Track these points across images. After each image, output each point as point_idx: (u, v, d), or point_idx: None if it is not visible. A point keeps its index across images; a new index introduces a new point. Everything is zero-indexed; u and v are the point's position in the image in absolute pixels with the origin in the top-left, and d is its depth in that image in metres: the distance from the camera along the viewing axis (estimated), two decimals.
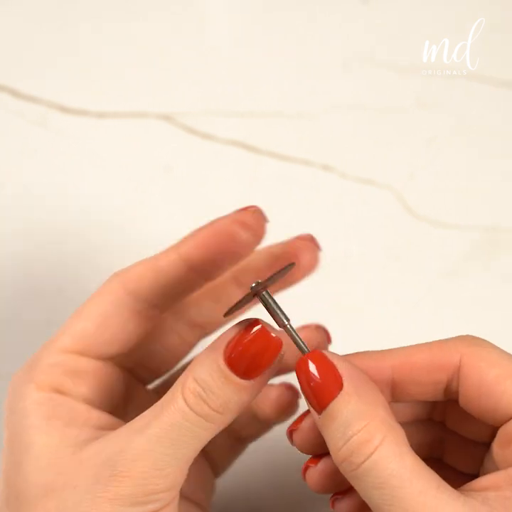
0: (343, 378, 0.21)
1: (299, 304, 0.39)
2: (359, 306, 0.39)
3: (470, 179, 0.42)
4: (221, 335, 0.22)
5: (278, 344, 0.22)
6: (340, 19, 0.44)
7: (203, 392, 0.21)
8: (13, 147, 0.40)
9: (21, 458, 0.22)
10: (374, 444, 0.20)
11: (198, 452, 0.22)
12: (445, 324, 0.39)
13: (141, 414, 0.22)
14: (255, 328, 0.22)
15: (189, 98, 0.42)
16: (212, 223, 0.26)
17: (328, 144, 0.42)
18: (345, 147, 0.42)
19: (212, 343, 0.22)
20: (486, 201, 0.42)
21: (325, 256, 0.40)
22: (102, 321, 0.25)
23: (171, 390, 0.22)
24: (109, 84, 0.42)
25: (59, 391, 0.24)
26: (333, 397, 0.21)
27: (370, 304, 0.39)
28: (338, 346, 0.38)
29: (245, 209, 0.26)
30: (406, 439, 0.21)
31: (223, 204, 0.41)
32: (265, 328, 0.22)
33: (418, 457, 0.21)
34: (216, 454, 0.29)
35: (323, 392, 0.21)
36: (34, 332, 0.37)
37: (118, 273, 0.26)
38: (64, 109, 0.41)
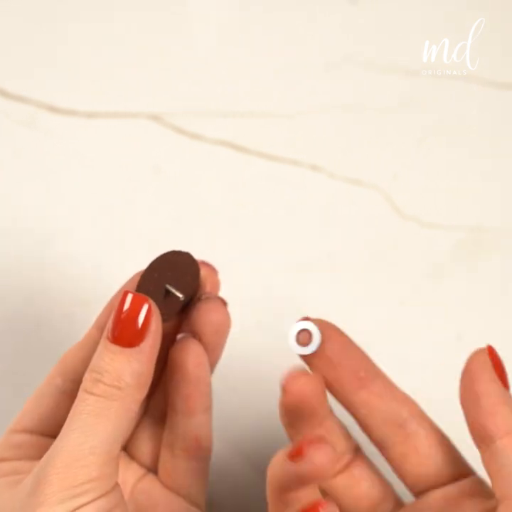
0: None
1: (286, 304, 0.39)
2: (345, 306, 0.39)
3: (459, 179, 0.42)
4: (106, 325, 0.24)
5: (147, 302, 0.23)
6: (329, 19, 0.44)
7: (97, 374, 0.23)
8: (0, 147, 0.40)
9: None
10: None
11: (117, 437, 0.23)
12: (431, 324, 0.39)
13: None
14: (126, 299, 0.23)
15: (178, 98, 0.42)
16: (121, 289, 0.27)
17: (316, 144, 0.42)
18: (334, 147, 0.42)
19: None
20: (472, 201, 0.42)
21: (312, 256, 0.41)
22: (36, 403, 0.27)
23: None
24: (99, 85, 0.42)
25: (1, 460, 0.26)
26: None
27: (356, 303, 0.40)
28: None
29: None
30: None
31: (212, 204, 0.41)
32: (133, 294, 0.23)
33: None
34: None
35: None
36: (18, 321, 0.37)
37: (58, 360, 0.28)
38: (53, 109, 0.41)
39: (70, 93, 0.41)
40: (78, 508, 0.21)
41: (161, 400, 0.29)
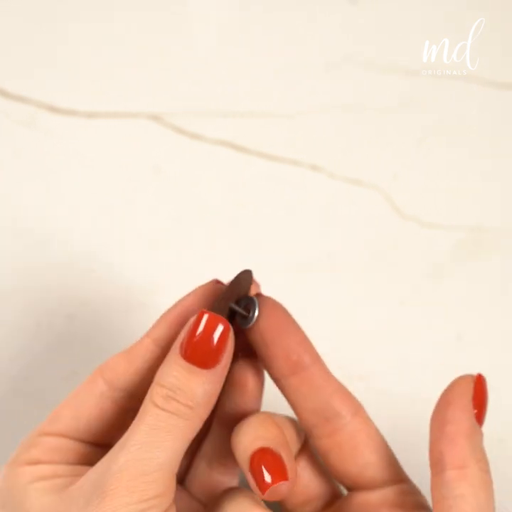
0: None
1: (286, 304, 0.39)
2: (345, 306, 0.39)
3: (459, 179, 0.42)
4: (176, 339, 0.24)
5: (225, 324, 0.23)
6: (329, 19, 0.44)
7: (170, 391, 0.23)
8: (0, 147, 0.40)
9: None
10: None
11: (181, 453, 0.23)
12: (431, 324, 0.39)
13: (123, 436, 0.23)
14: (203, 319, 0.23)
15: (178, 98, 0.42)
16: (179, 302, 0.27)
17: (317, 144, 0.42)
18: (334, 147, 0.42)
19: (171, 349, 0.24)
20: (472, 201, 0.42)
21: (312, 256, 0.41)
22: (74, 408, 0.26)
23: (142, 405, 0.23)
24: (99, 85, 0.42)
25: (37, 463, 0.25)
26: None
27: (356, 303, 0.40)
28: (325, 345, 0.38)
29: (208, 283, 0.27)
30: None
31: (212, 204, 0.41)
32: (210, 314, 0.23)
33: None
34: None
35: None
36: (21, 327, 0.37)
37: (100, 365, 0.27)
38: (53, 109, 0.41)
39: (70, 93, 0.41)
40: None
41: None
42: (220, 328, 0.23)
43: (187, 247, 0.39)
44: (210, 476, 0.28)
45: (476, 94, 0.43)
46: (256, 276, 0.39)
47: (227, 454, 0.27)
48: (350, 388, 0.27)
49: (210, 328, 0.23)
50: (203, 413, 0.23)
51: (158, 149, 0.41)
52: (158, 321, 0.26)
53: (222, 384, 0.24)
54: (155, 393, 0.23)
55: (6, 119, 0.40)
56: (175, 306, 0.26)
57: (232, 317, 0.26)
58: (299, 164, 0.42)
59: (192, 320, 0.23)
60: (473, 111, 0.43)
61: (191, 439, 0.23)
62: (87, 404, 0.26)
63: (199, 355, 0.23)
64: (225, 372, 0.24)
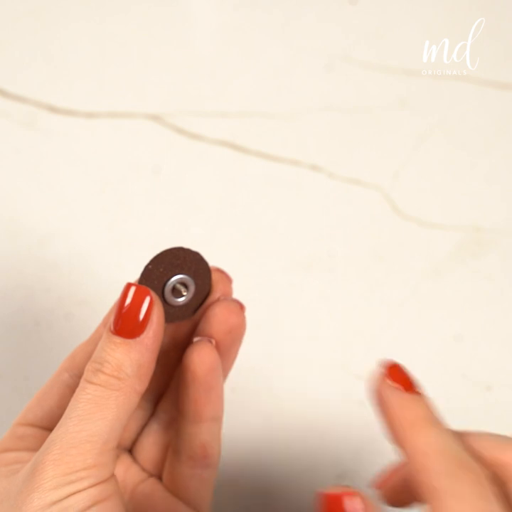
0: None
1: (286, 304, 0.39)
2: (345, 306, 0.39)
3: (459, 179, 0.42)
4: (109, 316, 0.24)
5: (149, 294, 0.24)
6: (329, 19, 0.44)
7: (98, 365, 0.23)
8: (0, 147, 0.40)
9: None
10: None
11: (115, 428, 0.23)
12: (430, 324, 0.39)
13: None
14: (129, 291, 0.24)
15: (177, 98, 0.42)
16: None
17: (317, 144, 0.42)
18: (334, 147, 0.42)
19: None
20: (472, 201, 0.42)
21: (312, 256, 0.41)
22: (41, 398, 0.27)
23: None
24: (98, 85, 0.42)
25: (6, 451, 0.26)
26: None
27: (355, 303, 0.40)
28: (324, 344, 0.38)
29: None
30: None
31: (211, 203, 0.41)
32: (134, 285, 0.24)
33: None
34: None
35: None
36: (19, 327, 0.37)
37: (65, 358, 0.28)
38: (53, 109, 0.41)
39: (70, 93, 0.41)
40: (71, 494, 0.22)
41: (169, 405, 0.29)
42: (146, 300, 0.23)
43: (187, 246, 0.39)
44: (181, 470, 0.28)
45: (475, 94, 0.43)
46: (256, 275, 0.39)
47: (192, 447, 0.27)
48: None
49: (135, 300, 0.23)
50: (136, 384, 0.23)
51: (158, 149, 0.41)
52: (112, 308, 0.27)
53: (152, 356, 0.24)
54: (86, 370, 0.23)
55: (6, 119, 0.40)
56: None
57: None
58: (299, 164, 0.42)
59: (119, 295, 0.24)
60: (473, 111, 0.43)
61: (127, 412, 0.23)
62: (50, 393, 0.27)
63: (126, 327, 0.23)
64: (155, 344, 0.24)
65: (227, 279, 0.28)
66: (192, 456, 0.27)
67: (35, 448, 0.26)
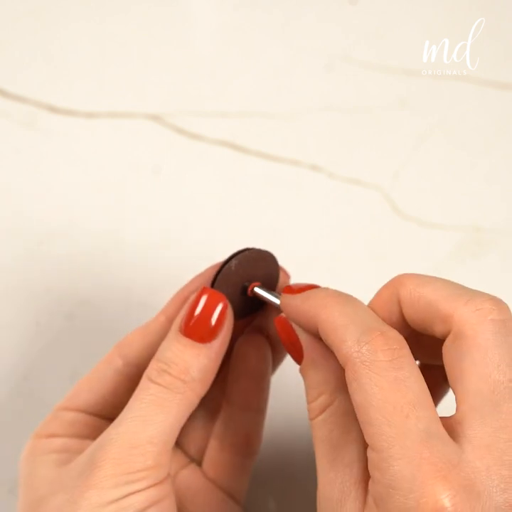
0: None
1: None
2: None
3: (459, 179, 0.42)
4: (178, 315, 0.24)
5: (223, 301, 0.24)
6: (329, 19, 0.44)
7: (164, 365, 0.23)
8: (0, 147, 0.40)
9: (25, 495, 0.24)
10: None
11: (175, 429, 0.23)
12: None
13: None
14: (203, 296, 0.24)
15: (177, 98, 0.42)
16: (192, 280, 0.27)
17: (317, 144, 0.42)
18: (334, 147, 0.42)
19: (172, 325, 0.24)
20: (472, 201, 0.42)
21: (312, 256, 0.41)
22: (92, 384, 0.27)
23: (141, 380, 0.23)
24: (98, 85, 0.42)
25: (53, 436, 0.26)
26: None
27: None
28: None
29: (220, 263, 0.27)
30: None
31: (211, 204, 0.41)
32: (209, 290, 0.24)
33: None
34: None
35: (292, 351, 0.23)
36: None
37: (117, 342, 0.27)
38: (52, 109, 0.41)
39: (69, 93, 0.41)
40: (130, 494, 0.21)
41: (216, 392, 0.28)
42: (219, 307, 0.23)
43: (186, 246, 0.39)
44: (222, 457, 0.28)
45: (475, 94, 0.43)
46: None
47: (236, 435, 0.27)
48: None
49: (209, 306, 0.23)
50: (199, 388, 0.23)
51: (158, 149, 0.41)
52: (172, 299, 0.27)
53: (218, 362, 0.24)
54: (151, 368, 0.23)
55: (6, 119, 0.40)
56: (188, 284, 0.27)
57: (244, 295, 0.26)
58: (299, 164, 0.42)
59: (192, 297, 0.24)
60: (473, 111, 0.43)
61: (187, 414, 0.23)
62: (103, 379, 0.26)
63: (197, 331, 0.23)
64: (223, 350, 0.24)
65: (288, 277, 0.29)
66: (235, 444, 0.28)
67: (84, 436, 0.26)
